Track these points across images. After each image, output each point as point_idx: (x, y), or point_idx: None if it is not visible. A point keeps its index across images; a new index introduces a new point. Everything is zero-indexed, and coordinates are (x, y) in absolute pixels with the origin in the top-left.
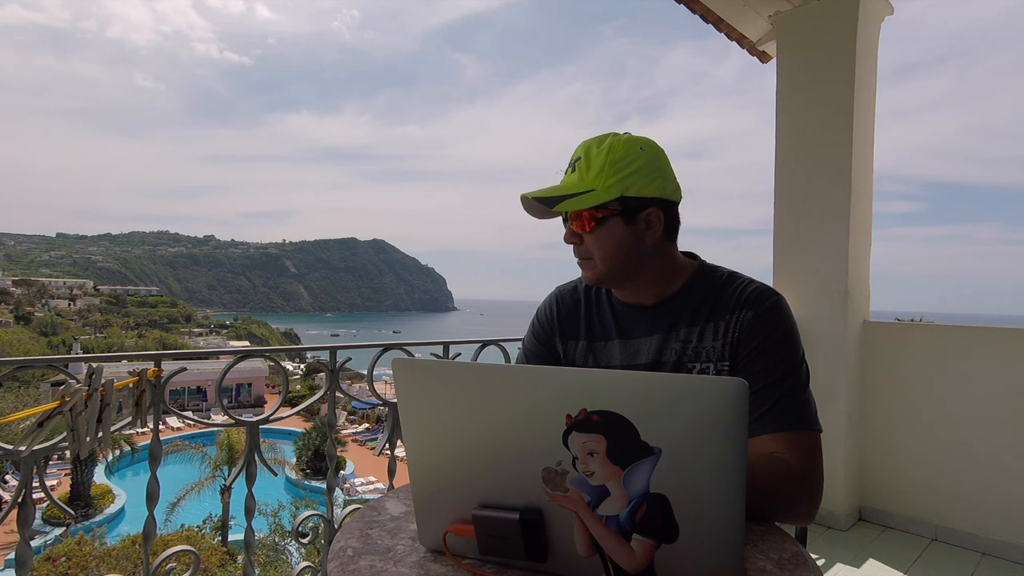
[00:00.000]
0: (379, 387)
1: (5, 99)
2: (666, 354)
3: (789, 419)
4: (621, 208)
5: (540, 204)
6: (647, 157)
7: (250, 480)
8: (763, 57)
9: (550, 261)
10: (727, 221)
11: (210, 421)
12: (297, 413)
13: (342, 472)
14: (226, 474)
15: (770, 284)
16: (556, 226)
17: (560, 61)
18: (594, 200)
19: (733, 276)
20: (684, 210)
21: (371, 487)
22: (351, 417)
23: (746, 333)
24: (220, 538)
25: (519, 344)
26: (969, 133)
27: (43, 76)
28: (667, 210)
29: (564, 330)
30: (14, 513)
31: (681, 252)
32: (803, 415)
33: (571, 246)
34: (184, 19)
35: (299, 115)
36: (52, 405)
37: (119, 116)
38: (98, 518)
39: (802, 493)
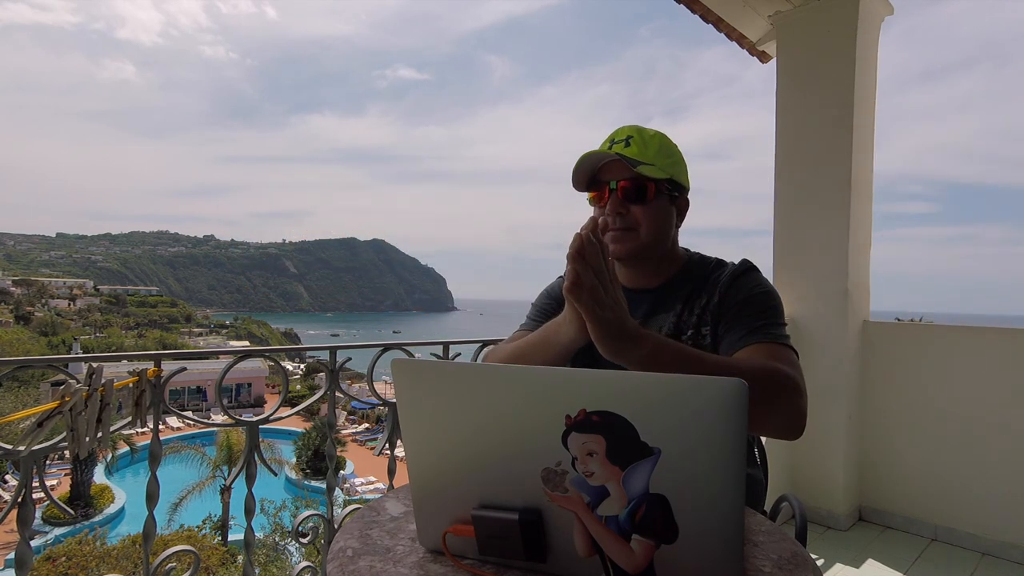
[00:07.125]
0: (379, 387)
1: (30, 101)
2: (664, 329)
3: (772, 336)
4: (670, 189)
5: (620, 162)
6: (680, 153)
7: (250, 480)
8: (763, 57)
9: (555, 261)
10: (739, 221)
11: (210, 421)
12: (297, 413)
13: (342, 472)
14: (226, 474)
15: (770, 284)
16: (559, 227)
17: (591, 62)
18: (659, 173)
19: (721, 260)
20: (698, 211)
21: (371, 487)
22: (351, 417)
23: (727, 291)
24: (220, 538)
25: None
26: (991, 134)
27: (71, 79)
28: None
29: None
30: (14, 513)
31: None
32: (785, 338)
33: (600, 218)
34: (213, 22)
35: (323, 116)
36: (52, 405)
37: (145, 118)
38: (98, 518)
39: (793, 398)
